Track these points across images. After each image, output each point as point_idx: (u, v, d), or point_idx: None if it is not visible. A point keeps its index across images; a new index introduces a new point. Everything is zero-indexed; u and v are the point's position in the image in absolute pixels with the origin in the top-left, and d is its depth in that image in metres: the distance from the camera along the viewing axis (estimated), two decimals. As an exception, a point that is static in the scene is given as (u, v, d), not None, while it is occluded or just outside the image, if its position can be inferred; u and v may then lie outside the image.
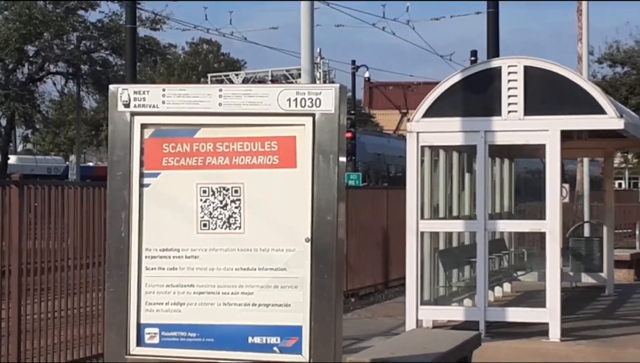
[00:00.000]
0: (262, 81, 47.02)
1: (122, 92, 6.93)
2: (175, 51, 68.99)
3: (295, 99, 6.72)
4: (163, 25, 44.39)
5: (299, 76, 46.17)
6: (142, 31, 42.53)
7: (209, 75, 53.52)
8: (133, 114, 6.89)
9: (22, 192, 10.92)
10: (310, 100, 6.70)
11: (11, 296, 10.78)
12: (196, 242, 6.78)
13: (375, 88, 67.85)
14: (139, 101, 6.90)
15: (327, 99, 6.69)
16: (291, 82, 42.00)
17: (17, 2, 40.00)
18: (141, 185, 6.86)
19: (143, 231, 6.83)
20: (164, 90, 6.94)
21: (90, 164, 61.63)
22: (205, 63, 74.31)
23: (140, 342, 6.81)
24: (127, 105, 6.91)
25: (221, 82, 47.22)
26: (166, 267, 6.80)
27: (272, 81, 46.19)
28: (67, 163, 55.95)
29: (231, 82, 47.75)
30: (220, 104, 6.83)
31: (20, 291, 10.82)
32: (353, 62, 51.11)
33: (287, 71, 47.71)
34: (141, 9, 39.17)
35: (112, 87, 7.03)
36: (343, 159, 6.78)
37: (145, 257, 6.81)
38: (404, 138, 52.46)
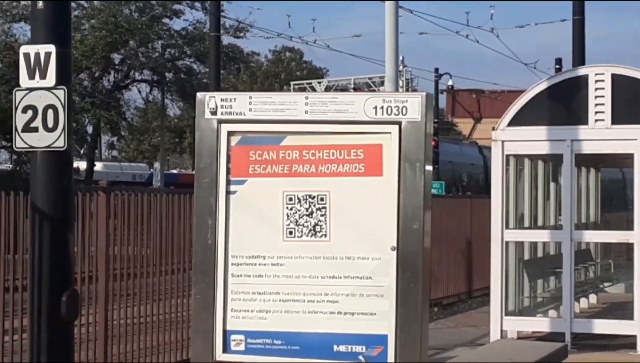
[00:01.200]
0: (344, 89, 47.06)
1: (210, 100, 6.97)
2: (258, 58, 69.43)
3: (382, 107, 6.69)
4: (246, 33, 44.67)
5: (382, 83, 46.16)
6: (225, 39, 42.87)
7: (292, 83, 53.73)
8: (220, 121, 6.91)
9: (108, 199, 11.07)
10: (397, 108, 6.67)
11: (98, 301, 10.93)
12: (282, 250, 6.78)
13: (457, 96, 67.62)
14: (226, 109, 6.93)
15: (414, 107, 6.66)
16: (373, 90, 41.97)
17: (104, 11, 40.55)
18: (227, 192, 6.89)
19: (229, 238, 6.85)
20: (250, 98, 6.96)
21: (174, 171, 62.24)
22: (287, 71, 74.64)
23: (226, 348, 6.83)
24: (214, 112, 6.94)
25: (304, 90, 47.39)
26: (252, 274, 6.81)
27: (355, 89, 46.20)
28: (151, 170, 56.57)
29: (313, 90, 47.87)
30: (306, 112, 6.83)
31: (107, 297, 10.97)
32: (436, 70, 50.91)
33: (369, 78, 47.70)
34: (225, 17, 39.49)
35: (199, 94, 7.07)
36: (429, 167, 6.73)
37: (232, 264, 6.83)
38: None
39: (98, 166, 47.36)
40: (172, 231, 12.08)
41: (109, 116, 42.46)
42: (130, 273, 11.64)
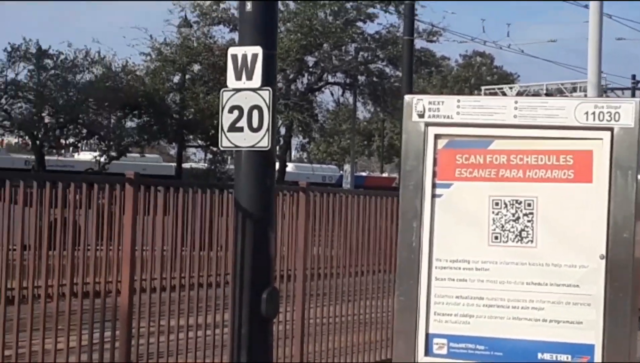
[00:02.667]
0: (536, 94, 46.36)
1: (417, 103, 6.98)
2: (448, 63, 69.15)
3: (594, 113, 6.57)
4: (439, 37, 44.57)
5: (573, 90, 45.29)
6: (418, 43, 42.86)
7: (482, 88, 53.29)
8: (427, 124, 6.92)
9: (308, 199, 11.23)
10: (609, 114, 6.54)
11: (296, 300, 11.09)
12: (487, 254, 6.74)
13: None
14: (433, 112, 6.94)
15: (627, 113, 6.52)
16: (565, 96, 41.14)
17: (299, 15, 41.14)
18: (433, 196, 6.89)
19: (434, 241, 6.85)
20: (458, 101, 6.94)
21: (363, 173, 62.65)
22: (478, 76, 74.08)
23: (428, 351, 6.83)
24: (421, 115, 6.96)
25: (494, 95, 46.90)
26: (456, 278, 6.80)
27: (546, 95, 45.46)
28: (340, 172, 57.09)
29: (504, 95, 47.33)
30: (515, 116, 6.77)
31: (304, 296, 11.12)
32: (633, 76, 49.63)
33: (561, 84, 46.87)
34: (419, 21, 39.51)
35: (407, 97, 7.10)
36: (641, 175, 6.58)
37: (436, 267, 6.83)
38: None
39: (290, 167, 48.09)
40: (369, 233, 12.17)
41: (301, 118, 43.08)
42: (326, 273, 11.78)
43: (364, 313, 12.15)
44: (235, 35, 40.83)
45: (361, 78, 46.02)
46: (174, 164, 43.31)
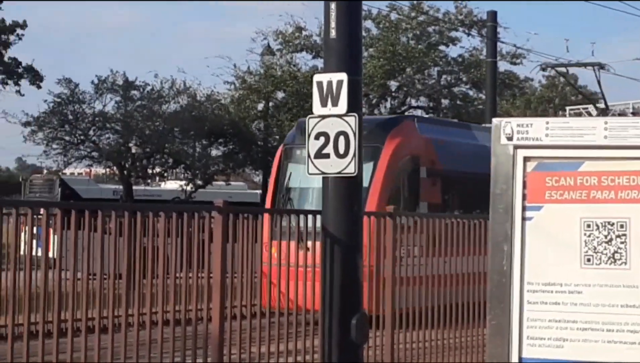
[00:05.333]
0: (622, 114, 45.77)
1: (505, 125, 6.94)
2: (531, 84, 68.60)
3: (686, 132, 6.47)
4: (523, 59, 44.27)
5: (661, 108, 44.55)
6: (502, 65, 42.64)
7: (567, 108, 52.75)
8: (516, 147, 6.87)
9: (395, 223, 11.23)
10: (702, 132, 6.44)
11: (385, 325, 11.07)
12: (580, 277, 6.65)
13: None
14: (521, 134, 6.88)
15: None
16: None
17: (382, 40, 41.19)
18: (523, 218, 6.82)
19: (525, 264, 6.78)
20: (547, 123, 6.88)
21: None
22: (562, 96, 73.33)
23: (521, 376, 6.75)
24: (510, 138, 6.91)
25: (579, 115, 46.37)
26: (548, 302, 6.71)
27: (633, 114, 44.86)
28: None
29: (590, 115, 46.77)
30: (605, 137, 6.69)
31: (393, 320, 11.09)
32: None
33: (649, 103, 46.16)
34: (502, 42, 39.30)
35: (495, 120, 7.06)
36: None
37: (527, 291, 6.76)
38: None
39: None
40: (457, 255, 12.11)
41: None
42: (414, 295, 11.73)
43: (460, 337, 12.08)
44: (318, 62, 41.07)
45: (444, 101, 45.90)
46: (259, 191, 43.58)
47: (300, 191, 20.92)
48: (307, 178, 20.50)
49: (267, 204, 21.33)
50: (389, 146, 20.42)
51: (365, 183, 19.41)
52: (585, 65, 32.10)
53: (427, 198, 20.89)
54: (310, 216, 10.37)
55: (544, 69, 37.49)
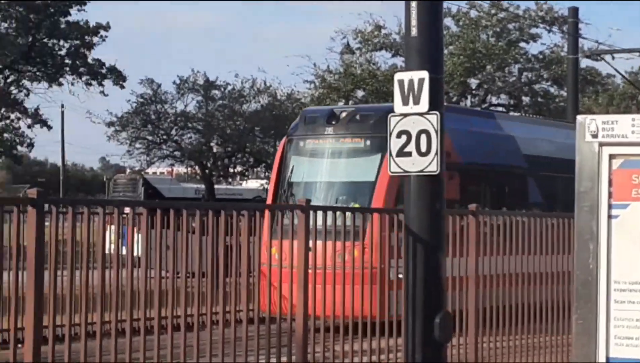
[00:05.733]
0: None
1: (590, 123, 6.88)
2: (614, 80, 67.70)
3: None
4: (605, 55, 43.66)
5: None
6: (584, 62, 42.14)
7: (652, 104, 51.93)
8: (601, 144, 6.81)
9: (478, 221, 11.16)
10: None
11: (468, 325, 11.02)
12: (667, 276, 6.57)
13: None
14: (607, 132, 6.82)
15: None
16: None
17: (462, 37, 41.01)
18: (609, 216, 6.76)
19: (611, 263, 6.71)
20: (633, 120, 6.81)
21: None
22: (647, 92, 72.20)
23: (608, 376, 6.69)
24: (595, 135, 6.85)
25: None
26: (636, 301, 6.64)
27: None
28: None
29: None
30: (693, 133, 6.60)
31: (477, 319, 11.04)
32: None
33: None
34: (584, 38, 38.83)
35: (579, 117, 7.01)
36: None
37: (614, 290, 6.69)
38: None
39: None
40: (542, 255, 12.01)
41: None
42: (498, 294, 11.67)
43: (538, 337, 11.98)
44: (397, 60, 41.00)
45: (525, 99, 45.48)
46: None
47: (305, 186, 19.64)
48: (311, 171, 19.68)
49: (269, 200, 20.17)
50: None
51: (371, 178, 18.53)
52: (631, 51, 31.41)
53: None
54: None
55: (588, 56, 37.08)
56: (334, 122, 19.27)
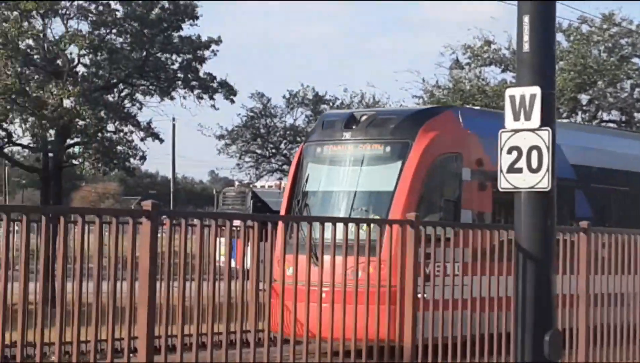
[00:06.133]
0: None
1: None
2: None
3: None
4: None
5: None
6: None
7: None
8: None
9: (589, 239, 11.03)
10: None
11: (579, 341, 10.90)
12: None
13: None
14: None
15: None
16: None
17: (573, 53, 40.55)
18: None
19: None
20: None
21: None
22: None
23: None
24: None
25: None
26: None
27: None
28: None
29: None
30: None
31: (587, 335, 10.91)
32: None
33: None
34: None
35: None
36: None
37: None
38: None
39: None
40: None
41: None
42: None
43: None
44: (507, 76, 40.67)
45: (638, 115, 44.74)
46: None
47: (319, 195, 17.94)
48: (327, 180, 17.86)
49: (282, 211, 18.24)
50: (420, 142, 16.94)
51: (390, 187, 16.68)
52: None
53: (471, 206, 17.15)
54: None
55: None
56: (353, 127, 17.60)
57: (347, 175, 17.50)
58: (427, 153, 16.80)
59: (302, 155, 18.42)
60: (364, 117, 17.74)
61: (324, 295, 9.23)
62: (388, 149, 17.18)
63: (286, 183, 19.31)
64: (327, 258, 9.26)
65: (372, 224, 10.49)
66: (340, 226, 9.52)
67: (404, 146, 16.94)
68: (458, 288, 10.30)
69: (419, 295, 9.78)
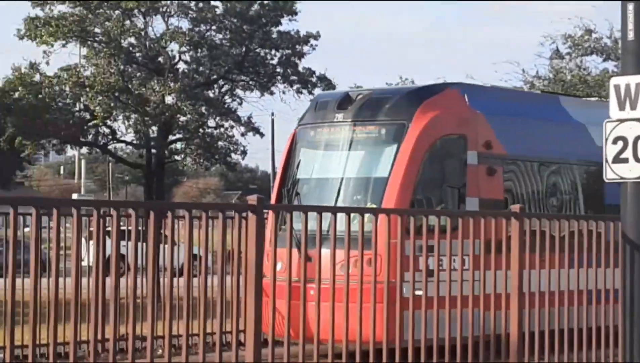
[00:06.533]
0: None
1: None
2: None
3: None
4: None
5: None
6: None
7: None
8: None
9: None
10: None
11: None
12: None
13: None
14: None
15: None
16: None
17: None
18: None
19: None
20: None
21: None
22: None
23: None
24: None
25: None
26: None
27: None
28: None
29: None
30: None
31: None
32: None
33: None
34: None
35: None
36: None
37: None
38: None
39: None
40: None
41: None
42: None
43: None
44: (609, 65, 40.04)
45: None
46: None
47: (310, 182, 16.40)
48: (318, 165, 16.25)
49: (272, 199, 16.60)
50: (417, 122, 15.32)
51: (384, 173, 15.10)
52: None
53: (477, 193, 15.52)
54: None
55: None
56: (347, 108, 15.92)
57: (339, 160, 16.01)
58: (425, 135, 15.26)
59: (294, 139, 16.86)
60: (359, 97, 16.15)
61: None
62: (383, 131, 15.69)
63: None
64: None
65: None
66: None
67: (399, 128, 15.47)
68: (558, 281, 10.14)
69: (525, 290, 9.69)
